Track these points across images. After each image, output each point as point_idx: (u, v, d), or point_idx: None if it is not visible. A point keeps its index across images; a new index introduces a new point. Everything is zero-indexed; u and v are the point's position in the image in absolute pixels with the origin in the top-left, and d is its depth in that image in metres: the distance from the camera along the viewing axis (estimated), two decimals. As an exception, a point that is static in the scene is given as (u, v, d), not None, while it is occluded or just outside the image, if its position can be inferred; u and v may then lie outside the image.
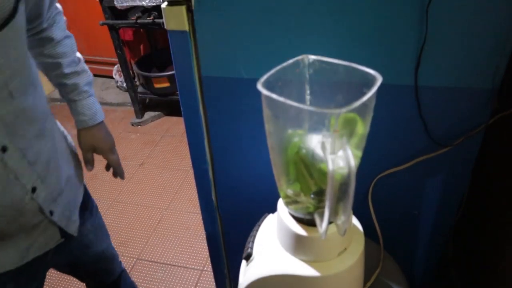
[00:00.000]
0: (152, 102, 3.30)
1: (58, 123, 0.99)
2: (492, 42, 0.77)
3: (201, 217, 1.18)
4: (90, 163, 1.11)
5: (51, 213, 0.87)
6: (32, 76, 0.78)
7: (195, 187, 1.12)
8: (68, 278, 1.85)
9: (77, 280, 1.25)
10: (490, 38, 0.76)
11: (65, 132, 1.03)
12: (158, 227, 2.23)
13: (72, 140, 1.07)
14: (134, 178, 2.59)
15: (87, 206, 1.08)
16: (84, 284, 1.31)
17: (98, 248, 1.14)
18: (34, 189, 0.80)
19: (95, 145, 1.08)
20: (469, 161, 0.91)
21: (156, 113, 3.19)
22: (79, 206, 1.01)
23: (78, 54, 1.03)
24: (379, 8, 0.77)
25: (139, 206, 2.38)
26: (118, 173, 1.17)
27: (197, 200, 1.14)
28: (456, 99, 0.84)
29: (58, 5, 0.96)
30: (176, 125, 3.09)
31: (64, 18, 1.00)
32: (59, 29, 0.96)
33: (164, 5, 0.84)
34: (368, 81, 0.58)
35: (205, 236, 1.23)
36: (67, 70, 0.99)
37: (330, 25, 0.81)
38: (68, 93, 1.02)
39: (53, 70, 0.99)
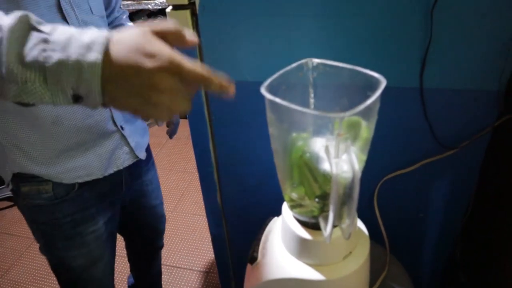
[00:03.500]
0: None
1: None
2: (498, 44, 0.76)
3: (206, 219, 1.18)
4: None
5: (122, 128, 1.05)
6: (103, 13, 1.03)
7: (201, 189, 1.12)
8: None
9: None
10: (495, 40, 0.76)
11: None
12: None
13: None
14: (140, 180, 2.60)
15: (150, 158, 1.28)
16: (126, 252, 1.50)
17: (152, 201, 1.32)
18: None
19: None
20: (475, 163, 0.90)
21: (162, 116, 3.20)
22: (146, 142, 1.21)
23: None
24: (384, 11, 0.76)
25: (145, 209, 2.39)
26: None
27: (203, 202, 1.15)
28: (462, 102, 0.84)
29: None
30: (182, 127, 3.07)
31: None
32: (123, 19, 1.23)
33: (169, 9, 0.84)
34: (372, 84, 0.58)
35: (210, 239, 1.23)
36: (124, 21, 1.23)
37: (334, 28, 0.80)
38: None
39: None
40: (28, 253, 2.16)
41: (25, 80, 0.46)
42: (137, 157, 1.13)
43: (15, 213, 2.43)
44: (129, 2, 2.57)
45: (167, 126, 1.40)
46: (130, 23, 1.26)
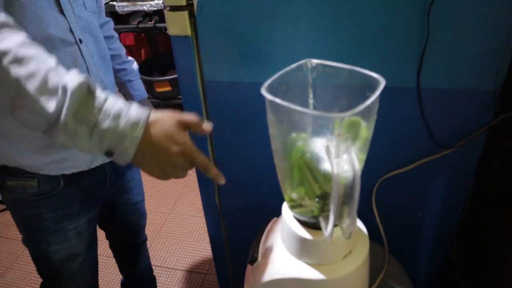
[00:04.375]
0: (153, 105, 3.29)
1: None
2: (494, 44, 0.77)
3: (204, 220, 1.19)
4: None
5: None
6: (95, 10, 1.08)
7: (198, 190, 1.12)
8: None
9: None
10: (491, 40, 0.76)
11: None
12: (161, 231, 2.23)
13: None
14: (136, 182, 2.59)
15: None
16: (109, 245, 1.52)
17: (134, 198, 1.35)
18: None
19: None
20: (472, 163, 0.91)
21: (157, 116, 3.20)
22: None
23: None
24: (381, 11, 0.77)
25: (142, 211, 2.38)
26: None
27: (200, 203, 1.15)
28: (458, 101, 0.84)
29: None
30: (178, 129, 3.10)
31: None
32: (113, 30, 1.32)
33: (166, 10, 0.84)
34: (371, 84, 0.58)
35: (208, 240, 1.23)
36: (124, 59, 1.34)
37: (331, 28, 0.81)
38: (126, 75, 1.35)
39: (115, 60, 1.30)
40: (24, 257, 2.14)
41: (75, 133, 0.61)
42: None
43: (9, 217, 2.42)
44: (124, 4, 2.57)
45: None
46: (116, 34, 1.34)
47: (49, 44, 0.90)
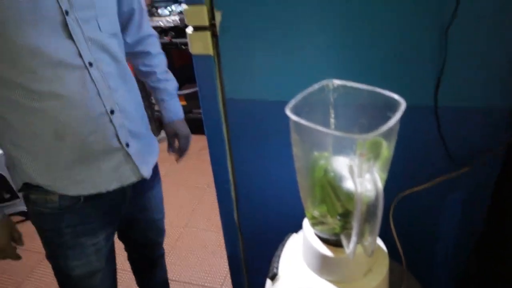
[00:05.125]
0: (169, 120, 3.34)
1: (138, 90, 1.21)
2: (510, 63, 0.78)
3: (218, 235, 1.20)
4: (172, 147, 1.47)
5: (127, 145, 1.06)
6: (116, 29, 1.06)
7: (213, 204, 1.14)
8: None
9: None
10: (508, 59, 0.77)
11: (142, 101, 1.23)
12: (176, 245, 2.25)
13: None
14: (151, 196, 2.62)
15: (157, 174, 1.32)
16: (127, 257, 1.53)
17: (153, 215, 1.35)
18: (112, 112, 1.00)
19: (178, 131, 1.41)
20: (490, 181, 0.91)
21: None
22: (153, 164, 1.20)
23: (166, 68, 1.36)
24: (400, 32, 0.79)
25: (157, 224, 2.40)
26: (181, 152, 1.49)
27: (215, 218, 1.17)
28: (476, 119, 0.85)
29: (152, 30, 1.29)
30: (193, 142, 3.09)
31: (156, 39, 1.33)
32: (154, 46, 1.29)
33: (189, 30, 0.87)
34: (391, 105, 0.60)
35: (223, 254, 1.24)
36: (160, 76, 1.31)
37: (350, 47, 0.83)
38: (159, 94, 1.34)
39: (149, 77, 1.31)
40: (40, 268, 2.17)
41: None
42: (141, 176, 1.13)
43: (27, 228, 2.44)
44: (141, 20, 2.62)
45: (169, 146, 1.49)
46: (157, 49, 1.31)
47: (53, 69, 0.89)
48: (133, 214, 1.27)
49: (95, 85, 0.95)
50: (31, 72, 0.87)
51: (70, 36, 0.90)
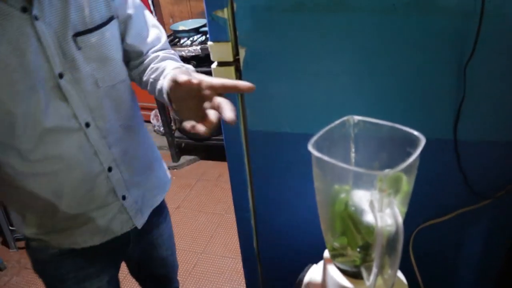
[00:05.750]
0: (188, 146, 3.39)
1: (149, 135, 1.13)
2: (530, 98, 0.79)
3: (236, 261, 1.21)
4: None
5: (124, 197, 1.01)
6: (121, 77, 0.95)
7: (231, 231, 1.15)
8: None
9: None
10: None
11: (152, 143, 1.15)
12: (193, 271, 2.25)
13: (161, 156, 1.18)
14: (170, 221, 2.64)
15: (162, 212, 1.22)
16: None
17: (162, 253, 1.27)
18: (110, 169, 0.95)
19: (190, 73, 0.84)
20: (511, 214, 0.91)
21: (192, 157, 3.27)
22: (153, 207, 1.13)
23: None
24: (419, 68, 0.81)
25: (175, 250, 2.41)
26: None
27: (232, 244, 1.17)
28: (495, 153, 0.86)
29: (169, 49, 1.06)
30: (211, 169, 3.16)
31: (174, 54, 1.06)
32: (167, 53, 1.03)
33: (214, 65, 0.91)
34: (411, 140, 0.62)
35: (240, 281, 1.25)
36: (172, 66, 0.94)
37: (370, 84, 0.85)
38: (157, 77, 0.94)
39: (160, 75, 0.94)
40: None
41: None
42: (134, 226, 1.07)
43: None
44: (163, 49, 2.70)
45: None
46: (176, 63, 0.98)
47: (47, 135, 0.84)
48: (141, 254, 1.21)
49: (93, 145, 0.91)
50: (26, 139, 0.83)
51: (64, 99, 0.85)
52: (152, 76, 0.95)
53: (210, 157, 3.28)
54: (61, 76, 0.83)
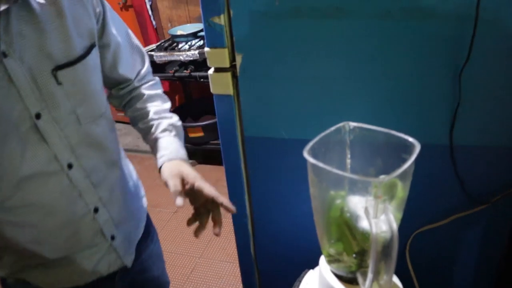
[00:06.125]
0: (186, 150, 3.39)
1: (128, 161, 1.05)
2: (525, 103, 0.80)
3: (234, 266, 1.20)
4: (180, 193, 0.86)
5: (113, 238, 0.93)
6: (101, 110, 0.87)
7: (228, 235, 1.14)
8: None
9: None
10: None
11: (132, 169, 1.07)
12: (191, 275, 2.25)
13: (138, 178, 1.11)
14: (168, 226, 2.63)
15: (149, 233, 1.14)
16: None
17: (154, 273, 1.18)
18: (96, 210, 0.87)
19: (183, 171, 0.90)
20: (507, 218, 0.92)
21: (190, 161, 3.25)
22: (137, 241, 1.05)
23: (168, 111, 1.04)
24: (415, 76, 0.81)
25: (172, 254, 2.41)
26: (225, 205, 0.90)
27: (230, 248, 1.16)
28: (491, 157, 0.86)
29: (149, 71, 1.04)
30: (210, 173, 3.15)
31: (156, 79, 1.07)
32: (151, 89, 1.02)
33: (211, 71, 0.91)
34: (406, 146, 0.62)
35: (238, 286, 1.25)
36: (154, 116, 0.99)
37: (365, 90, 0.85)
38: (152, 133, 0.98)
39: (142, 119, 0.99)
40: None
41: None
42: (123, 264, 0.99)
43: None
44: (162, 54, 2.70)
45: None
46: (157, 91, 1.03)
47: (26, 181, 0.75)
48: (133, 278, 1.10)
49: (76, 186, 0.82)
50: (1, 187, 0.74)
51: (43, 141, 0.76)
52: (140, 125, 1.00)
53: (209, 161, 3.28)
54: (38, 116, 0.74)
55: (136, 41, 0.99)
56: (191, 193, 0.90)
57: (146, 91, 1.01)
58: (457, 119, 0.83)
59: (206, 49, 0.89)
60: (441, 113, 0.84)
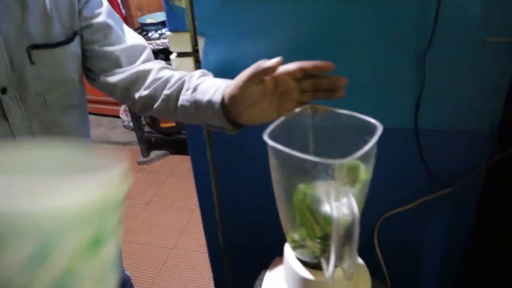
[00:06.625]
0: (158, 141, 3.34)
1: None
2: (488, 86, 0.80)
3: (207, 256, 1.19)
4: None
5: None
6: (74, 101, 0.82)
7: (201, 225, 1.13)
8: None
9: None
10: (485, 83, 0.79)
11: None
12: (164, 267, 2.22)
13: None
14: (140, 217, 2.59)
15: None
16: None
17: None
18: None
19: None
20: (472, 201, 0.93)
21: (162, 152, 3.23)
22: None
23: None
24: (379, 59, 0.81)
25: (145, 246, 2.37)
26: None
27: (203, 239, 1.15)
28: (456, 141, 0.87)
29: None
30: (182, 163, 3.12)
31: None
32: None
33: (173, 56, 0.88)
34: (369, 129, 0.61)
35: (211, 277, 1.24)
36: (180, 75, 0.78)
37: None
38: (186, 88, 0.76)
39: (166, 83, 0.79)
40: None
41: None
42: None
43: None
44: (130, 42, 2.65)
45: None
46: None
47: None
48: None
49: None
50: None
51: (4, 117, 0.73)
52: (166, 91, 0.78)
53: (181, 152, 3.24)
54: (3, 91, 0.72)
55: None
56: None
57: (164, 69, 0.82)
58: (422, 102, 0.83)
59: (168, 33, 0.87)
60: (406, 96, 0.84)
